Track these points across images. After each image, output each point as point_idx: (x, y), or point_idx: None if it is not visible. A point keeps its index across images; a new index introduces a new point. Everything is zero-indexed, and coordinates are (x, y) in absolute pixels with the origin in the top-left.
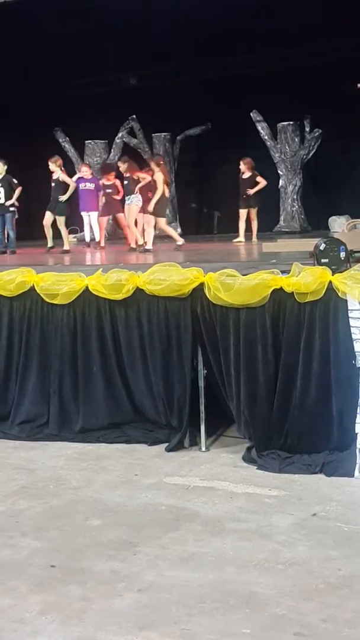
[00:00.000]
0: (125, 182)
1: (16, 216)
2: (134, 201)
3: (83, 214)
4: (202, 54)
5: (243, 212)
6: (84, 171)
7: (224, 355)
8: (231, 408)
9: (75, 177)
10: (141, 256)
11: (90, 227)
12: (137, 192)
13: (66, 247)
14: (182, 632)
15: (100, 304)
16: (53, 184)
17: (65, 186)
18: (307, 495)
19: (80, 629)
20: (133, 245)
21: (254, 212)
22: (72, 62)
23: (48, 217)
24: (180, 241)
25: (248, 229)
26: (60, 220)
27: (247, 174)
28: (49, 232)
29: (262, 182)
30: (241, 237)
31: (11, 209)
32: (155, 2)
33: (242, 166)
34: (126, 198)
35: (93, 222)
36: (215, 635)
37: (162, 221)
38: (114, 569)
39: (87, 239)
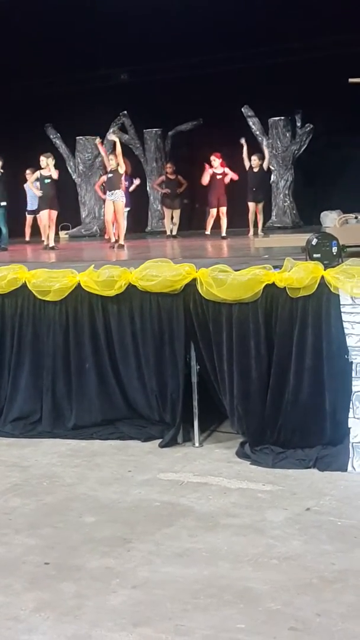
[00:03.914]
0: (110, 175)
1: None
2: (119, 197)
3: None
4: (193, 50)
5: (252, 206)
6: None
7: (216, 350)
8: (224, 403)
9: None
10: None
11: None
12: (121, 188)
13: (52, 243)
14: (176, 627)
15: (93, 301)
16: (48, 181)
17: (55, 183)
18: (300, 490)
19: (74, 626)
20: (112, 240)
21: (260, 206)
22: (63, 57)
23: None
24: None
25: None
26: (54, 215)
27: (257, 169)
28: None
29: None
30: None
31: (2, 203)
32: None
33: (255, 161)
34: (109, 193)
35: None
36: (210, 631)
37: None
38: (108, 565)
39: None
